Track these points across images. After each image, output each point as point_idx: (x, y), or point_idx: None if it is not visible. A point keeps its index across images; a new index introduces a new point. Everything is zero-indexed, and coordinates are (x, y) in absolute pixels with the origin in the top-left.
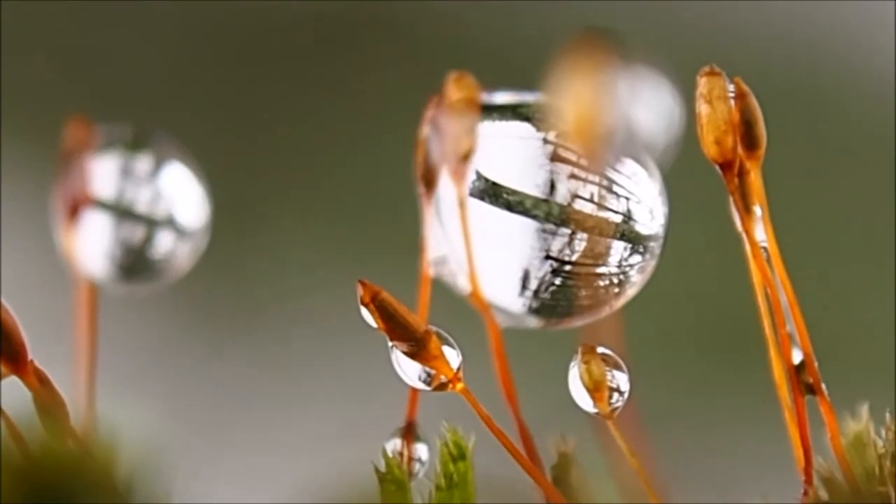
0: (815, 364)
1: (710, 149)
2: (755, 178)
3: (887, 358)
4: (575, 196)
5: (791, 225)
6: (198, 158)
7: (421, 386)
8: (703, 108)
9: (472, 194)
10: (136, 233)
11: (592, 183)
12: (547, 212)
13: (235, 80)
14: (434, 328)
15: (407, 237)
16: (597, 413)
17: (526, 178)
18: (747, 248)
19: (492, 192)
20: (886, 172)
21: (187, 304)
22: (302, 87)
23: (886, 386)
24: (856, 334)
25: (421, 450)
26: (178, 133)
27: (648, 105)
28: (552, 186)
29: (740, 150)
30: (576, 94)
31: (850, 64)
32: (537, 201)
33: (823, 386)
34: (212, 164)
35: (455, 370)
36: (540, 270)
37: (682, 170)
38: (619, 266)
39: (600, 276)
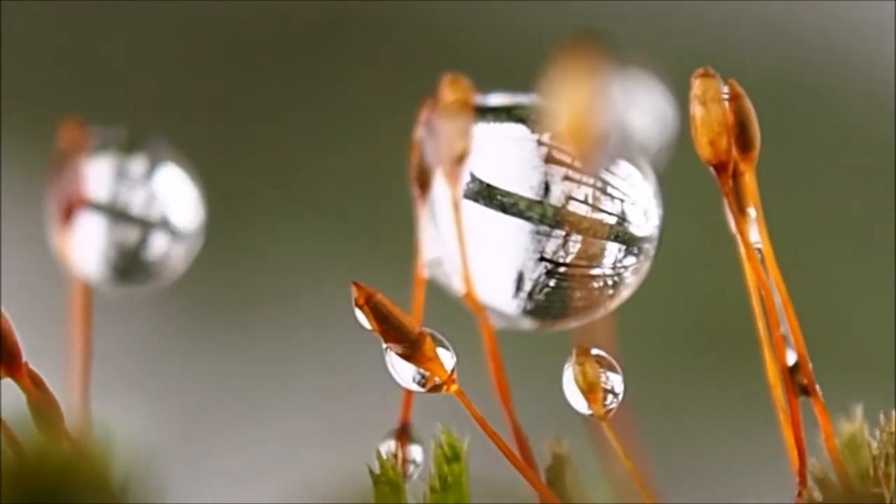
0: (810, 365)
1: (704, 150)
2: (749, 180)
3: (883, 358)
4: (569, 198)
5: (787, 225)
6: (190, 157)
7: (415, 387)
8: (697, 110)
9: (466, 196)
10: (131, 235)
11: (587, 185)
12: (541, 214)
13: (231, 79)
14: (428, 330)
15: (402, 238)
16: (591, 414)
17: (520, 180)
18: (742, 249)
19: (486, 194)
20: (886, 173)
21: (180, 303)
22: (298, 86)
23: (881, 387)
24: (851, 335)
25: (415, 451)
26: (172, 132)
27: (642, 107)
28: (546, 188)
29: (734, 152)
30: (570, 96)
31: (849, 63)
32: (531, 203)
33: (818, 387)
34: (204, 163)
35: (449, 372)
36: (534, 272)
37: (677, 171)
38: (614, 268)
39: (594, 277)
